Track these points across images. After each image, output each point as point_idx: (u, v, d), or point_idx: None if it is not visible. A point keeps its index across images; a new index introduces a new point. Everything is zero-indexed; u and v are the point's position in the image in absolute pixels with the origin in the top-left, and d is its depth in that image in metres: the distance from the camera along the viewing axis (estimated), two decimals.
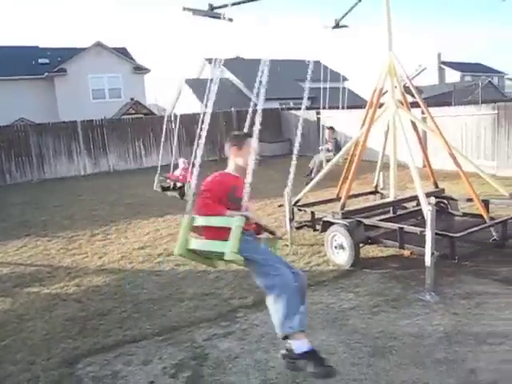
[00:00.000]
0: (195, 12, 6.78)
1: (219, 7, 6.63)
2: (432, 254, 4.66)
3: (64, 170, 17.77)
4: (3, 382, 3.74)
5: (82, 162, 18.15)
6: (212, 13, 6.63)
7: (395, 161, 6.68)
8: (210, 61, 39.73)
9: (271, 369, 3.63)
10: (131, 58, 31.55)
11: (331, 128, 14.67)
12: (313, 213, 6.61)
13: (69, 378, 3.74)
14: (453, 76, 53.52)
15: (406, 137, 5.83)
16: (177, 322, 4.61)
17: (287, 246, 6.76)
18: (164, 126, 12.18)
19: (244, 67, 32.91)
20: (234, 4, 6.38)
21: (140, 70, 30.81)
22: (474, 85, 37.37)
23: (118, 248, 7.56)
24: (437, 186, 7.02)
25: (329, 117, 18.64)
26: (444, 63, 55.74)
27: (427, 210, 4.65)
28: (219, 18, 6.68)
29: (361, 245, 5.81)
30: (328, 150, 13.54)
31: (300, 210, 6.97)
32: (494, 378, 3.32)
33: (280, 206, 7.40)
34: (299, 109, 22.75)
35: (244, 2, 6.50)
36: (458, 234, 4.94)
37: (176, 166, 11.45)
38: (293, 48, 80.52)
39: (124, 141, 18.78)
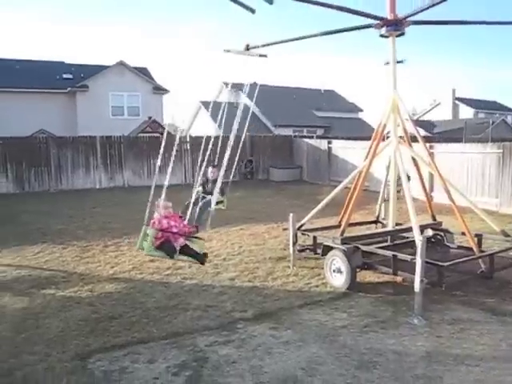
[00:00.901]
0: (235, 52, 7.39)
1: (253, 47, 7.22)
2: (421, 280, 5.04)
3: (80, 183, 18.35)
4: (22, 369, 4.15)
5: (98, 176, 18.74)
6: (248, 52, 7.22)
7: (395, 193, 7.07)
8: (227, 85, 40.58)
9: (265, 373, 4.01)
10: (151, 78, 32.43)
11: None
12: (315, 237, 7.00)
13: (81, 370, 4.14)
14: (467, 112, 54.04)
15: (404, 171, 6.24)
16: (181, 328, 5.00)
17: (289, 267, 7.16)
18: (175, 146, 12.59)
19: (261, 93, 33.66)
20: (264, 45, 6.99)
21: (159, 90, 31.63)
22: (485, 122, 37.76)
23: (130, 259, 7.98)
24: (434, 219, 7.39)
25: (340, 147, 19.16)
26: (458, 99, 56.26)
27: (418, 240, 5.03)
28: (254, 55, 7.29)
29: (358, 270, 6.17)
30: None
31: (303, 235, 7.35)
32: None
33: (285, 229, 7.78)
34: (311, 137, 23.33)
35: (273, 44, 7.13)
36: (445, 264, 5.31)
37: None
38: (309, 77, 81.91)
39: (140, 158, 19.38)
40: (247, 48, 7.04)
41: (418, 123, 49.68)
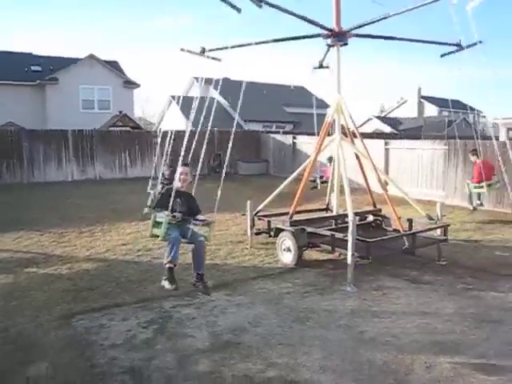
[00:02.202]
0: (190, 52, 8.18)
1: (210, 50, 8.05)
2: (352, 254, 6.06)
3: (53, 175, 18.92)
4: (16, 326, 4.98)
5: (70, 169, 19.36)
6: (203, 54, 8.05)
7: (338, 183, 8.05)
8: (197, 79, 41.15)
9: (218, 326, 4.96)
10: (122, 72, 32.87)
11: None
12: (269, 221, 7.97)
13: (66, 326, 5.00)
14: (432, 110, 55.99)
15: (344, 164, 7.25)
16: (150, 295, 5.91)
17: (247, 248, 8.13)
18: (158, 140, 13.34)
19: (231, 88, 34.44)
20: (219, 48, 7.84)
21: (130, 84, 32.11)
22: (446, 120, 39.49)
23: (104, 243, 8.79)
24: (375, 207, 8.43)
25: (304, 142, 20.20)
26: (424, 97, 58.12)
27: (350, 220, 6.05)
28: (207, 57, 8.13)
29: (304, 248, 7.17)
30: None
31: (260, 219, 8.29)
32: (374, 336, 4.69)
33: (243, 215, 8.72)
34: (278, 132, 24.35)
35: (227, 48, 7.94)
36: (371, 240, 6.34)
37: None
38: (279, 73, 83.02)
39: (111, 151, 20.06)
40: (203, 51, 7.83)
41: (386, 120, 51.45)
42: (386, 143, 16.65)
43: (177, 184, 5.81)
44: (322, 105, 44.84)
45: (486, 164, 10.71)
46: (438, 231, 7.53)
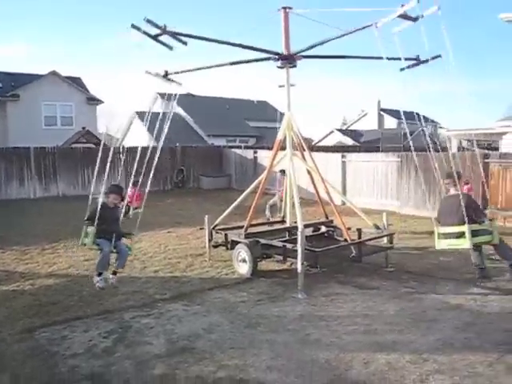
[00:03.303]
0: (154, 75, 8.50)
1: (175, 73, 8.42)
2: (302, 263, 6.48)
3: (14, 193, 18.84)
4: None
5: (33, 187, 19.33)
6: (167, 78, 8.42)
7: (291, 196, 8.46)
8: (162, 95, 41.40)
9: (175, 334, 5.29)
10: (85, 89, 32.83)
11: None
12: (226, 234, 8.33)
13: (29, 339, 5.23)
14: (391, 122, 57.51)
15: (294, 177, 7.72)
16: (111, 308, 6.18)
17: (205, 261, 8.48)
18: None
19: (195, 103, 34.85)
20: (183, 71, 8.25)
21: (93, 100, 32.11)
22: (402, 132, 40.69)
23: (66, 260, 8.98)
24: (327, 218, 8.91)
25: (265, 157, 20.68)
26: (383, 110, 59.73)
27: (299, 232, 6.49)
28: (172, 81, 8.51)
29: (258, 259, 7.57)
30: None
31: (217, 233, 8.65)
32: (319, 337, 5.11)
33: (201, 228, 9.06)
34: (240, 147, 24.82)
35: (188, 71, 8.38)
36: (318, 249, 6.80)
37: None
38: (243, 89, 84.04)
39: (74, 168, 20.10)
40: (166, 74, 8.24)
41: (348, 133, 52.66)
42: (343, 156, 17.31)
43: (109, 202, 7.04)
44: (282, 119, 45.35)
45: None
46: (385, 239, 8.04)
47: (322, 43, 7.65)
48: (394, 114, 59.07)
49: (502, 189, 12.78)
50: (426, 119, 57.95)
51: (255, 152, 21.39)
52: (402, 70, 8.20)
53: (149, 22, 6.50)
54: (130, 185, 12.45)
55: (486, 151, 22.46)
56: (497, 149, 22.85)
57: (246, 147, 25.75)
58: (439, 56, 7.86)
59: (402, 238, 10.86)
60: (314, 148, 30.76)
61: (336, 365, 4.52)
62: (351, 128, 59.69)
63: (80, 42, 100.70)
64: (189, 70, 8.17)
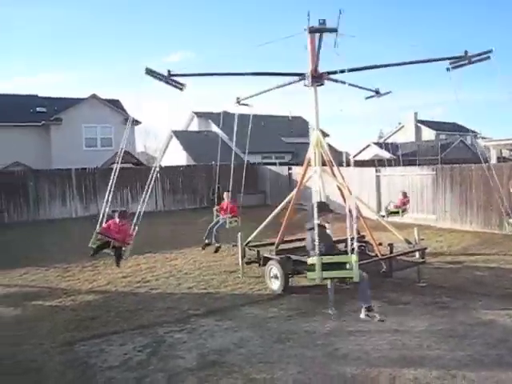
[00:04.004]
0: (156, 75, 8.56)
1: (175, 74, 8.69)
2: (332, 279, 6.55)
3: (57, 212, 19.61)
4: (24, 352, 5.51)
5: (74, 206, 20.07)
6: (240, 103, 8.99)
7: None
8: (197, 114, 42.12)
9: (206, 348, 5.46)
10: (123, 110, 33.86)
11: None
12: (258, 251, 8.49)
13: (69, 351, 5.52)
14: (429, 134, 56.75)
15: (324, 194, 7.84)
16: (146, 323, 6.43)
17: (239, 277, 8.65)
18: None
19: (229, 121, 35.27)
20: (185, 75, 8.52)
21: (131, 121, 33.06)
22: (439, 144, 40.16)
23: (105, 277, 9.33)
24: (358, 233, 8.92)
25: (299, 173, 20.79)
26: (420, 122, 59.04)
27: None
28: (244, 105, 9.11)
29: (290, 275, 7.68)
30: None
31: (250, 249, 8.82)
32: (347, 352, 5.18)
33: (234, 245, 9.25)
34: (275, 164, 25.02)
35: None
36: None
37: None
38: (277, 104, 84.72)
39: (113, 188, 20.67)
40: (169, 74, 8.38)
41: (385, 146, 52.23)
42: (377, 170, 17.28)
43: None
44: (321, 133, 45.35)
45: None
46: (417, 254, 8.02)
47: (355, 69, 7.84)
48: (432, 125, 58.38)
49: None
50: (466, 129, 56.91)
51: (289, 168, 21.55)
52: (448, 69, 7.97)
53: (151, 72, 7.03)
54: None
55: None
56: None
57: (281, 163, 25.94)
58: (490, 51, 7.65)
59: (437, 252, 10.79)
60: (350, 163, 30.72)
61: (362, 380, 4.59)
62: (388, 141, 59.18)
63: (118, 65, 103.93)
64: (255, 95, 8.92)
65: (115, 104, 33.50)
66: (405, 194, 13.30)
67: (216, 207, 12.14)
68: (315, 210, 6.09)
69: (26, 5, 76.39)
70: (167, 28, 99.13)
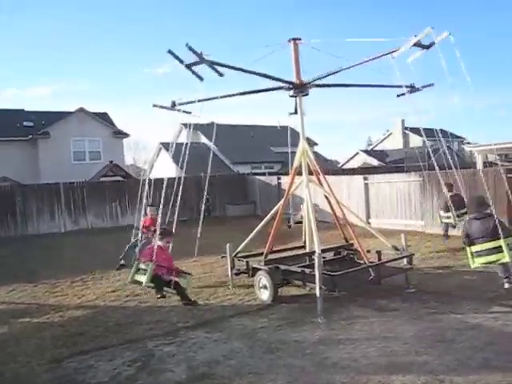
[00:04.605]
0: (162, 107, 8.92)
1: (180, 104, 8.77)
2: (320, 288, 6.58)
3: (45, 227, 19.47)
4: (11, 371, 5.45)
5: (63, 220, 19.94)
6: (173, 108, 8.78)
7: (310, 221, 8.56)
8: (185, 125, 42.22)
9: (196, 360, 5.44)
10: (111, 123, 33.81)
11: None
12: (247, 262, 8.48)
13: (56, 368, 5.47)
14: (416, 141, 57.16)
15: (311, 202, 7.87)
16: (135, 337, 6.38)
17: (228, 288, 8.64)
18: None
19: (219, 132, 35.38)
20: (188, 102, 8.55)
21: (119, 134, 33.00)
22: (426, 150, 40.38)
23: (94, 291, 9.26)
24: (347, 241, 8.98)
25: (288, 182, 20.83)
26: (407, 129, 59.52)
27: (315, 256, 6.61)
28: (179, 110, 8.86)
29: (279, 285, 7.69)
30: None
31: (239, 260, 8.81)
32: (336, 361, 5.18)
33: (222, 257, 9.24)
34: (264, 174, 25.06)
35: (201, 101, 8.63)
36: (336, 273, 6.89)
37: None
38: (265, 115, 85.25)
39: (102, 201, 20.67)
40: (173, 105, 8.52)
41: (373, 153, 52.58)
42: (365, 178, 17.38)
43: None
44: (309, 142, 45.73)
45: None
46: (405, 261, 8.06)
47: (335, 72, 7.89)
48: (419, 131, 58.77)
49: None
50: (453, 135, 57.40)
51: (279, 178, 21.60)
52: (398, 96, 8.87)
53: (190, 49, 6.75)
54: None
55: None
56: None
57: (270, 173, 25.99)
58: (432, 84, 8.81)
59: (425, 258, 10.85)
60: (339, 171, 30.87)
61: None
62: (376, 148, 59.61)
63: (105, 78, 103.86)
64: (200, 100, 8.28)
65: (103, 117, 33.46)
66: None
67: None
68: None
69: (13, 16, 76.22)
70: (158, 38, 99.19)
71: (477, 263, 7.43)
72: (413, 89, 8.75)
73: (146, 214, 11.12)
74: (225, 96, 8.35)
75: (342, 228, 8.97)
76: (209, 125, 38.85)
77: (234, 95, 8.34)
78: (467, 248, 7.53)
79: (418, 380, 4.67)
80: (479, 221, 7.49)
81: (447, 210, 11.78)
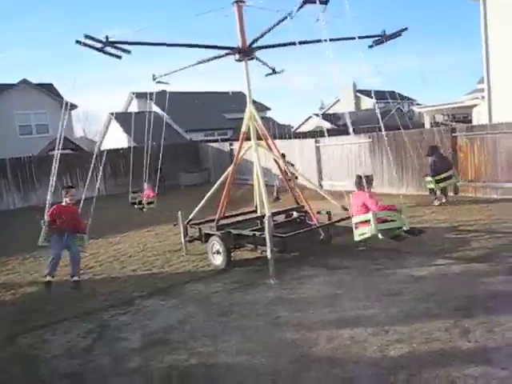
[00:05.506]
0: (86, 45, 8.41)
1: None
2: (271, 250, 6.73)
3: None
4: None
5: (11, 197, 19.31)
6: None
7: (259, 184, 8.62)
8: (136, 95, 41.18)
9: (151, 327, 5.54)
10: (58, 95, 32.60)
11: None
12: (200, 229, 8.55)
13: (10, 346, 5.44)
14: (368, 103, 57.96)
15: (260, 167, 7.97)
16: (90, 309, 6.39)
17: (182, 255, 8.71)
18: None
19: (171, 101, 34.74)
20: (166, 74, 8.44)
21: (67, 105, 31.93)
22: (384, 111, 41.14)
23: (47, 267, 9.09)
24: (298, 204, 9.15)
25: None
26: (359, 91, 60.16)
27: (265, 219, 6.73)
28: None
29: (231, 249, 7.81)
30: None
31: (192, 227, 8.87)
32: (287, 319, 5.38)
33: (175, 225, 9.27)
34: (216, 140, 24.93)
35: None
36: (285, 235, 7.06)
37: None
38: (217, 80, 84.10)
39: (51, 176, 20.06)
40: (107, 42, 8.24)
41: (326, 117, 53.05)
42: (317, 141, 17.58)
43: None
44: (261, 108, 45.46)
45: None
46: None
47: (270, 29, 7.84)
48: (370, 94, 59.57)
49: (470, 161, 13.11)
50: (403, 97, 58.37)
51: (231, 144, 21.56)
52: (370, 47, 8.68)
53: (88, 37, 6.70)
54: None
55: (461, 124, 22.95)
56: (471, 121, 23.29)
57: (223, 140, 25.89)
58: (406, 29, 8.42)
59: None
60: (293, 135, 31.04)
61: (302, 343, 4.78)
62: (329, 112, 60.02)
63: (44, 45, 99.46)
64: (173, 72, 8.42)
65: (49, 88, 32.17)
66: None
67: None
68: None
69: None
70: (103, 4, 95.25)
71: None
72: (386, 36, 8.56)
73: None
74: (179, 70, 8.32)
75: (292, 191, 9.13)
76: (160, 93, 38.32)
77: (193, 65, 8.29)
78: None
79: (365, 332, 4.90)
80: None
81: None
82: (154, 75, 9.41)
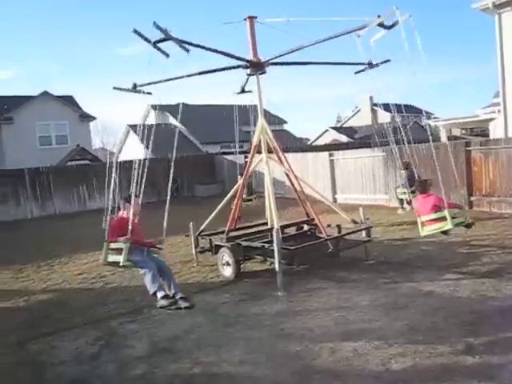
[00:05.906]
0: (122, 89, 8.83)
1: (141, 85, 8.70)
2: (279, 262, 6.78)
3: (11, 215, 19.13)
4: None
5: (29, 207, 19.67)
6: (135, 90, 8.70)
7: (269, 196, 8.67)
8: (154, 107, 41.68)
9: (157, 336, 5.61)
10: (77, 106, 33.26)
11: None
12: (210, 240, 8.62)
13: (19, 351, 5.55)
14: (385, 116, 57.78)
15: (271, 179, 8.05)
16: (99, 317, 6.50)
17: (193, 266, 8.80)
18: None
19: (188, 113, 35.23)
20: (150, 83, 8.51)
21: (86, 117, 32.55)
22: (392, 126, 41.00)
23: (61, 275, 9.30)
24: (308, 216, 9.18)
25: (255, 160, 20.95)
26: (376, 105, 60.03)
27: (274, 232, 6.80)
28: (139, 92, 8.79)
29: (241, 261, 7.88)
30: None
31: (203, 238, 8.96)
32: (292, 331, 5.41)
33: (187, 235, 9.37)
34: (232, 153, 25.07)
35: (161, 82, 8.61)
36: (293, 247, 7.11)
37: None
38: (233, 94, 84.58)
39: (69, 186, 20.46)
40: (134, 87, 8.50)
41: (342, 130, 53.06)
42: (331, 154, 17.62)
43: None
44: (278, 121, 45.60)
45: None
46: (364, 233, 8.32)
47: (295, 50, 7.99)
48: (387, 107, 59.40)
49: (485, 175, 13.02)
50: (420, 111, 58.09)
51: (245, 157, 21.67)
52: (356, 73, 9.02)
53: (157, 27, 6.73)
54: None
55: (475, 138, 22.79)
56: (488, 135, 23.14)
57: (241, 152, 26.04)
58: (389, 60, 8.73)
59: (387, 230, 11.18)
60: (308, 148, 31.14)
61: (304, 355, 4.81)
62: (346, 125, 60.02)
63: (70, 60, 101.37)
64: (159, 82, 8.30)
65: (69, 100, 32.87)
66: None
67: None
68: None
69: None
70: (126, 18, 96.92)
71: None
72: (371, 65, 8.85)
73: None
74: (185, 76, 8.34)
75: (303, 204, 9.17)
76: (177, 106, 38.73)
77: (193, 75, 8.33)
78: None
79: (368, 345, 4.91)
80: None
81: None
82: (135, 84, 8.62)
